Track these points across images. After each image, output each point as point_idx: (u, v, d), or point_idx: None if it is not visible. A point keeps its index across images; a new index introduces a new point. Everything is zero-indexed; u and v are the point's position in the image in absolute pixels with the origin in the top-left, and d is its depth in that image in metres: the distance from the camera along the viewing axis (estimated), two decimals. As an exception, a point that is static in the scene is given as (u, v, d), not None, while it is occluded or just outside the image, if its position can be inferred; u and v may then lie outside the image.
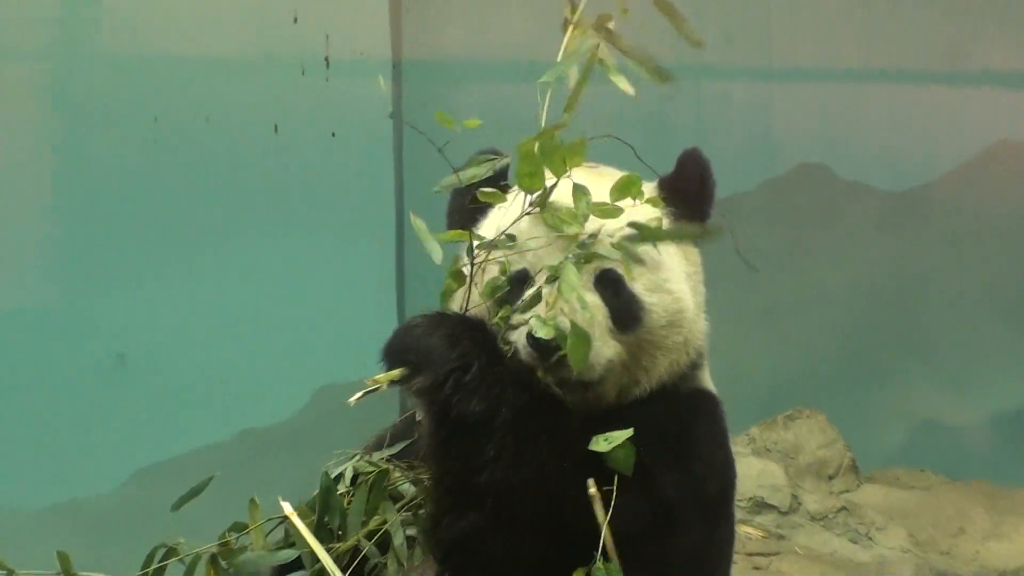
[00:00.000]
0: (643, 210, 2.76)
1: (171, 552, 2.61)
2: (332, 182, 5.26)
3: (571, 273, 2.68)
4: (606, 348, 2.70)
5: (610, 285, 2.74)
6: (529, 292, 2.73)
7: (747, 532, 4.84)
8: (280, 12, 5.15)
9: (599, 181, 2.79)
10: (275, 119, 5.15)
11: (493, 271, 2.79)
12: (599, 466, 2.50)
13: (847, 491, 5.05)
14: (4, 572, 2.51)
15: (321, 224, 5.26)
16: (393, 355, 2.49)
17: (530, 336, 2.60)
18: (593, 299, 2.71)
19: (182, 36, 5.11)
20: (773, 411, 5.12)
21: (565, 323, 2.62)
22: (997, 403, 5.68)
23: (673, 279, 2.80)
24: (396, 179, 5.43)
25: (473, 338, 2.52)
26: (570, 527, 2.49)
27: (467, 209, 2.89)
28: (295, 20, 5.17)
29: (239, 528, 2.63)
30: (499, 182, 2.89)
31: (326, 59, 5.24)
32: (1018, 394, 5.69)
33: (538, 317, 2.63)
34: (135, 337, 5.05)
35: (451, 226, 2.90)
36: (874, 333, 5.71)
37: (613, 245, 2.67)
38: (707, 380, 2.93)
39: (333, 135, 5.21)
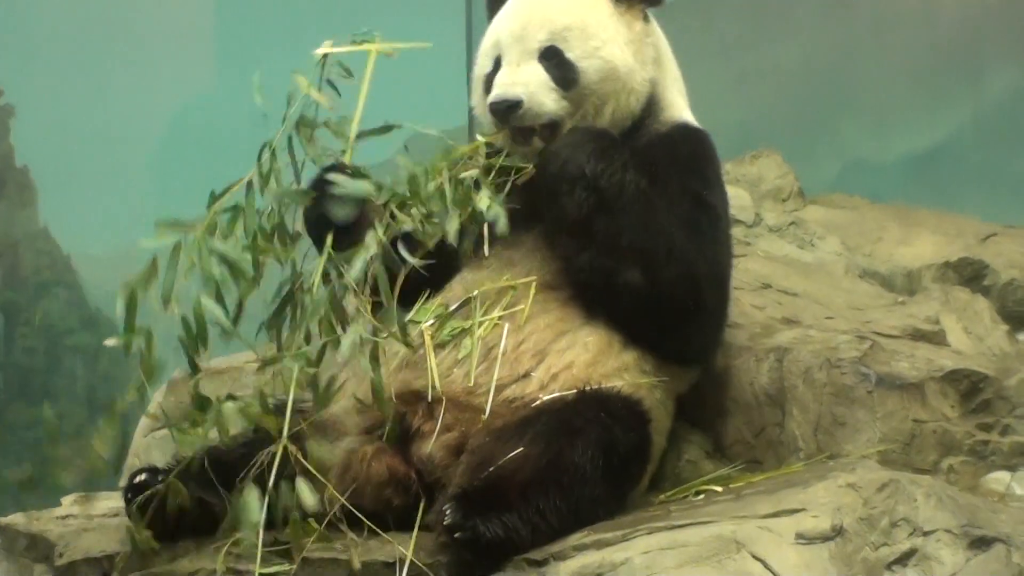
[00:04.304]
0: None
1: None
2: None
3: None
4: (548, 101, 3.22)
5: (552, 57, 3.26)
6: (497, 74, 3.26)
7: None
8: None
9: None
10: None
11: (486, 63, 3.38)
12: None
13: (796, 210, 5.25)
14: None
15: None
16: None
17: (490, 103, 3.22)
18: (536, 68, 3.25)
19: None
20: (742, 151, 5.41)
21: (516, 89, 3.20)
22: (907, 145, 6.18)
23: (605, 46, 3.25)
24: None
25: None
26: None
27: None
28: None
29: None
30: None
31: None
32: (922, 138, 6.18)
33: (496, 87, 3.23)
34: (273, 99, 5.85)
35: (488, 8, 3.52)
36: (817, 94, 6.21)
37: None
38: (688, 117, 3.52)
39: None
